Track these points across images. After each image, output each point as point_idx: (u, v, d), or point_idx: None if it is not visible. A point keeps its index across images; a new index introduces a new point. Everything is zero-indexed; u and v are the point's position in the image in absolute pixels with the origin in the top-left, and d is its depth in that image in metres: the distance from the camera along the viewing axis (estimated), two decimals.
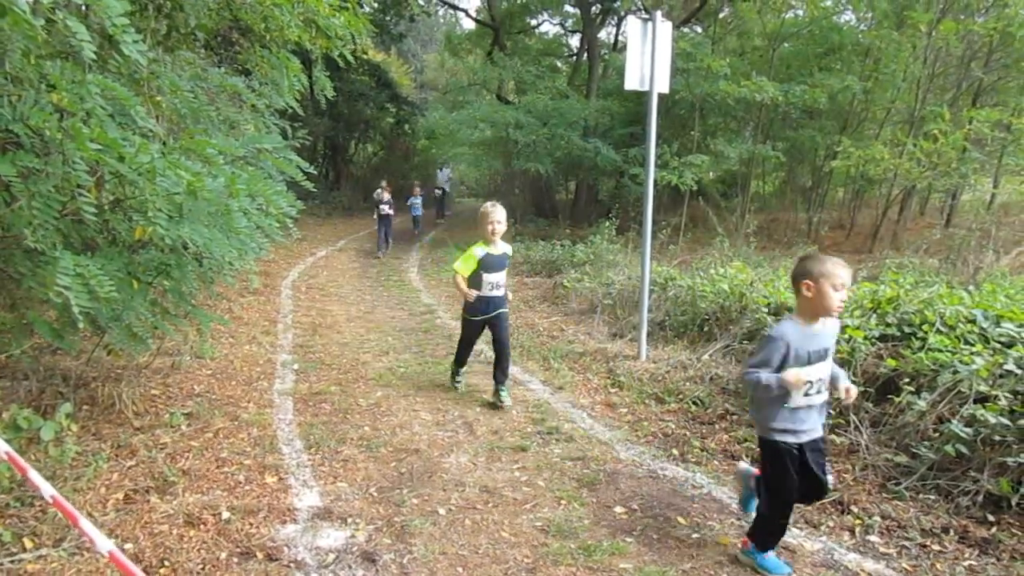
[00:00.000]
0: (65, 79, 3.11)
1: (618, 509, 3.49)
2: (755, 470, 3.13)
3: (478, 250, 4.95)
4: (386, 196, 14.19)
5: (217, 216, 3.49)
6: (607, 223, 12.02)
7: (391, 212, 14.36)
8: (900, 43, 13.06)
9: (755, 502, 3.04)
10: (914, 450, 3.69)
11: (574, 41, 23.98)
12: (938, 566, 2.93)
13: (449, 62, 29.69)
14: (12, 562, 2.70)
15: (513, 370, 5.96)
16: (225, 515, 3.24)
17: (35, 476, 1.89)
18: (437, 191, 23.20)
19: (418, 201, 17.63)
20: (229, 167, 3.68)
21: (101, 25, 3.11)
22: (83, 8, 3.89)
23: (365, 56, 19.52)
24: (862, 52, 14.36)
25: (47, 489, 1.84)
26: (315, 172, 4.93)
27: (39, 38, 3.10)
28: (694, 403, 5.00)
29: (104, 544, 1.59)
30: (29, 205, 2.92)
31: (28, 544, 2.84)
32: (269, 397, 5.06)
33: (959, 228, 12.45)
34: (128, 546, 2.95)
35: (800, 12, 15.18)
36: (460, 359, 5.41)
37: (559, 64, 24.04)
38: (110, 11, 2.90)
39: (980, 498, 3.31)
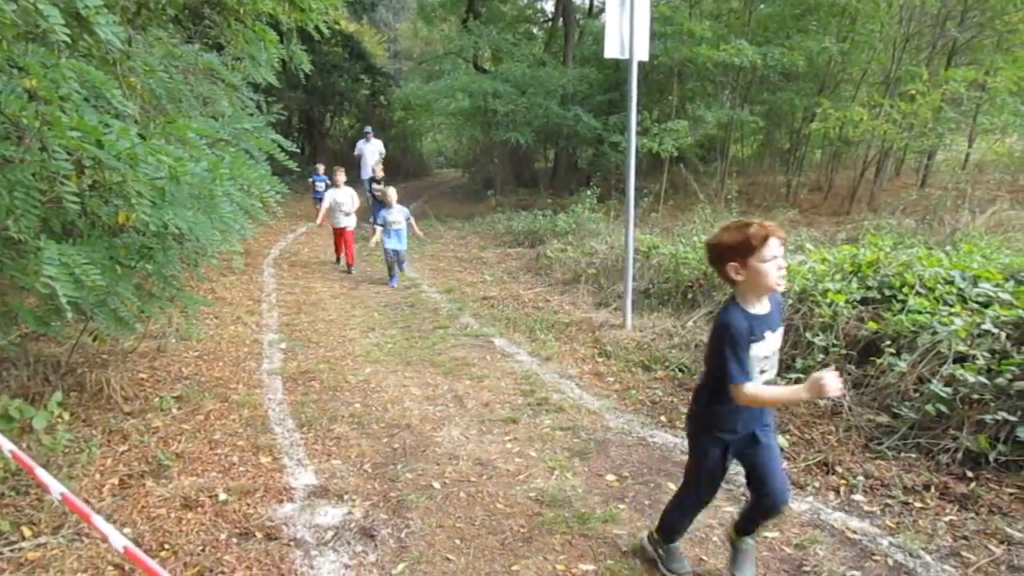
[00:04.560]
0: (37, 63, 3.04)
1: (609, 477, 3.57)
2: None
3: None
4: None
5: (200, 199, 3.45)
6: (588, 192, 12.00)
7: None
8: (876, 2, 13.04)
9: None
10: (896, 410, 3.79)
11: (548, 6, 23.65)
12: (920, 522, 3.04)
13: (423, 31, 29.08)
14: (12, 551, 2.71)
15: (500, 342, 6.01)
16: (222, 496, 3.27)
17: (42, 474, 1.88)
18: (376, 187, 11.52)
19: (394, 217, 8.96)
20: (211, 150, 3.63)
21: (67, 2, 3.02)
22: None
23: (338, 27, 19.12)
24: (839, 12, 14.31)
25: (56, 487, 1.83)
26: (296, 149, 4.84)
27: (7, 20, 3.01)
28: (680, 370, 5.08)
29: (118, 540, 1.60)
30: (10, 195, 2.86)
31: (27, 533, 2.85)
32: (258, 377, 5.06)
33: (935, 188, 12.59)
34: (126, 531, 2.97)
35: None
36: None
37: (535, 31, 23.72)
38: None
39: (960, 455, 3.42)
